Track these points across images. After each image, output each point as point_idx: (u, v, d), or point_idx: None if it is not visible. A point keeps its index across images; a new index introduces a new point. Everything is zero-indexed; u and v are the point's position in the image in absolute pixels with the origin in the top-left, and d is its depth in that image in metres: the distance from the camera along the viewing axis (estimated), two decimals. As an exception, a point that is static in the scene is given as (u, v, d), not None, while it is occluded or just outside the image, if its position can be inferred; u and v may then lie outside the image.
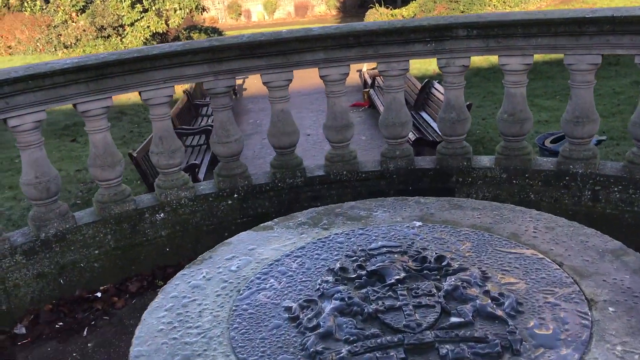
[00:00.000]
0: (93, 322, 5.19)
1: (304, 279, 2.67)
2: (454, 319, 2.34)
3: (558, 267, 2.65)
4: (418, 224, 3.05)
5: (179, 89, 11.91)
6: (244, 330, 2.36)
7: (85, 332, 5.10)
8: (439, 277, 2.61)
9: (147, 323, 2.43)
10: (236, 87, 14.87)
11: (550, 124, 9.41)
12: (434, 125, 8.81)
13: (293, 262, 2.80)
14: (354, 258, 2.79)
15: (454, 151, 5.61)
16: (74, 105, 5.15)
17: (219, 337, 2.33)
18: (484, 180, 5.56)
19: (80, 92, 5.08)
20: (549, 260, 2.70)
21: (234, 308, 2.50)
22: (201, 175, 8.06)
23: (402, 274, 2.59)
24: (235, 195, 5.74)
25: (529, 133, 5.50)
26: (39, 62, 5.40)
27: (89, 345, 4.96)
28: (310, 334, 2.30)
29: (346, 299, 2.46)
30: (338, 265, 2.72)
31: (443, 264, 2.69)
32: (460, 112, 5.46)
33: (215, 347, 2.27)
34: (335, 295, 2.49)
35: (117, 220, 5.47)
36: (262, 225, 3.14)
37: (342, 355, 2.16)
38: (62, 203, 5.36)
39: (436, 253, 2.77)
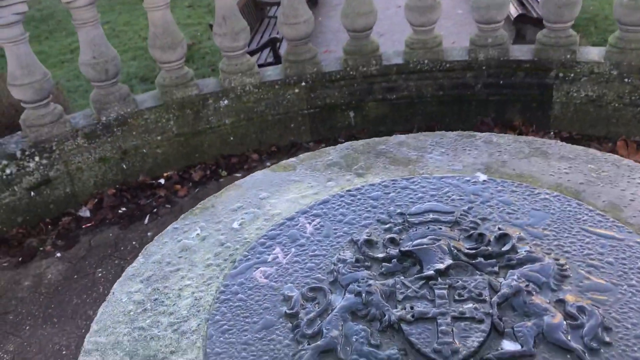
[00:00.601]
0: (155, 210, 4.82)
1: (317, 252, 1.92)
2: (507, 346, 1.56)
3: (672, 268, 1.74)
4: (483, 177, 2.17)
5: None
6: (226, 327, 1.70)
7: (146, 220, 4.76)
8: (497, 269, 1.77)
9: (115, 299, 1.82)
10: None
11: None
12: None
13: (309, 223, 2.04)
14: (387, 225, 2.00)
15: (557, 41, 4.48)
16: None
17: (194, 333, 1.68)
18: (589, 76, 4.45)
19: (135, -38, 4.26)
20: (660, 256, 1.78)
21: (222, 289, 1.82)
22: (282, 50, 7.18)
23: (447, 261, 1.79)
24: (303, 84, 4.94)
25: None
26: None
27: (149, 234, 4.62)
28: (307, 345, 1.60)
29: (364, 295, 1.71)
30: (364, 235, 1.95)
31: (506, 247, 1.85)
32: (571, -8, 4.21)
33: (185, 350, 1.63)
34: (351, 287, 1.75)
35: (179, 106, 4.88)
36: (282, 163, 2.37)
37: (339, 391, 1.45)
38: (122, 85, 4.80)
39: (499, 229, 1.92)
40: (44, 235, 4.67)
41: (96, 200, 4.93)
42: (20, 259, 4.43)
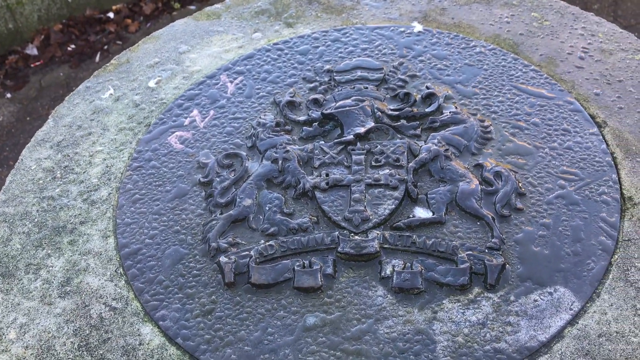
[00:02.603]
0: (106, 47, 4.48)
1: (237, 114, 1.77)
2: (418, 213, 1.50)
3: (597, 129, 1.64)
4: (418, 27, 1.96)
5: None
6: (137, 197, 1.60)
7: (97, 58, 4.43)
8: (419, 131, 1.66)
9: (24, 167, 1.69)
10: None
11: None
12: None
13: (231, 82, 1.86)
14: (313, 84, 1.83)
15: None
16: None
17: (104, 202, 1.59)
18: None
19: None
20: (587, 116, 1.68)
21: (134, 155, 1.69)
22: None
23: (369, 124, 1.66)
24: None
25: None
26: None
27: (100, 72, 4.29)
28: (219, 215, 1.52)
29: (280, 161, 1.60)
30: (287, 96, 1.79)
31: (431, 108, 1.71)
32: None
33: (95, 220, 1.55)
34: (268, 153, 1.64)
35: None
36: (207, 10, 2.10)
37: (245, 261, 1.40)
38: None
39: (427, 87, 1.76)
40: (-10, 75, 4.39)
41: (42, 37, 4.56)
42: (-32, 101, 4.19)
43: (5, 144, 3.94)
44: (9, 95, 4.27)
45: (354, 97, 1.75)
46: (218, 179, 1.63)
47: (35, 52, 4.52)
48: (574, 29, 1.92)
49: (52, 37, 4.56)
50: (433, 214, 1.52)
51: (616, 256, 1.41)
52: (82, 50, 4.56)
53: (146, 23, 4.73)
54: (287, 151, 1.64)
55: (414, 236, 1.47)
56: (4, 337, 1.38)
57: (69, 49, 4.55)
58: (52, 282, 1.47)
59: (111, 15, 4.71)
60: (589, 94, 1.75)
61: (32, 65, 4.47)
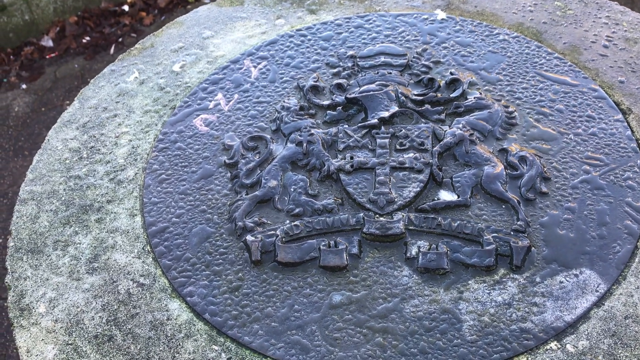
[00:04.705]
0: (120, 39, 4.52)
1: (261, 99, 1.79)
2: (443, 196, 1.51)
3: (622, 116, 1.65)
4: (442, 15, 1.97)
5: None
6: (163, 177, 1.62)
7: (112, 50, 4.48)
8: (444, 116, 1.68)
9: (51, 147, 1.72)
10: None
11: None
12: None
13: (254, 66, 1.88)
14: (336, 69, 1.85)
15: None
16: None
17: (131, 182, 1.61)
18: None
19: None
20: (612, 103, 1.69)
21: (160, 137, 1.72)
22: None
23: (392, 109, 1.68)
24: None
25: None
26: None
27: (115, 64, 4.33)
28: (245, 196, 1.54)
29: (305, 144, 1.62)
30: (311, 81, 1.80)
31: (455, 93, 1.73)
32: None
33: (121, 199, 1.58)
34: (293, 136, 1.66)
35: None
36: (230, -4, 2.12)
37: (272, 240, 1.43)
38: None
39: (451, 73, 1.77)
40: (6, 65, 4.43)
41: (58, 29, 4.61)
42: (-16, 91, 4.24)
43: (20, 133, 3.98)
44: (24, 86, 4.32)
45: (377, 82, 1.77)
46: (243, 161, 1.65)
47: (50, 43, 4.57)
48: (598, 18, 1.93)
49: (67, 29, 4.60)
50: (458, 197, 1.54)
51: (642, 240, 1.42)
52: (97, 42, 4.61)
53: (161, 16, 4.77)
54: (312, 134, 1.67)
55: (439, 218, 1.48)
56: (34, 310, 1.40)
57: (83, 41, 4.60)
58: (80, 258, 1.49)
59: (126, 8, 4.76)
60: (613, 82, 1.76)
61: (47, 57, 4.52)
